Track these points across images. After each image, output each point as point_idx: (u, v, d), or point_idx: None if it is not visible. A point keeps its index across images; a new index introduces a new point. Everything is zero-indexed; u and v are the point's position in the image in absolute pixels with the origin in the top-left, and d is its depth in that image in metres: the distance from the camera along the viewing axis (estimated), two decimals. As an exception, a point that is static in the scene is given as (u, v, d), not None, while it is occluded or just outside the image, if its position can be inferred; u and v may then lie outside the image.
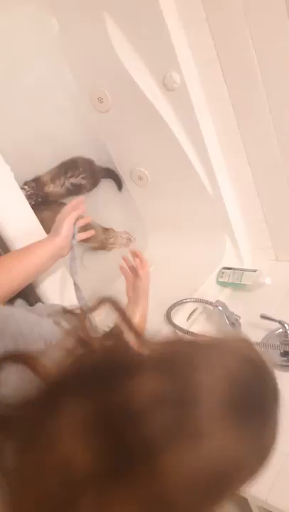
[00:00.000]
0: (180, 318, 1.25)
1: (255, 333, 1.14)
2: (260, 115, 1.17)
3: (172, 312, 1.24)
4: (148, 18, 1.11)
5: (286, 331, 1.04)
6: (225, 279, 1.36)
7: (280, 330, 1.07)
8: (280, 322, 1.05)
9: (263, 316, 1.08)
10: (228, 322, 1.17)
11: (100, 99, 1.31)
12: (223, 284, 1.37)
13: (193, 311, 1.28)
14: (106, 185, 1.48)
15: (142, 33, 1.15)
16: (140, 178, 1.46)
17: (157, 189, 1.47)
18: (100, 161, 1.44)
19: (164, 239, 1.53)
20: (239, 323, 1.18)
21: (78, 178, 1.28)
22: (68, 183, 1.28)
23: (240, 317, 1.20)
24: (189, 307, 1.28)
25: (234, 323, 1.18)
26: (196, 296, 1.30)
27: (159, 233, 1.57)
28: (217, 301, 1.19)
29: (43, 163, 1.33)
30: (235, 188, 1.35)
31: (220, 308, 1.17)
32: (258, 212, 1.37)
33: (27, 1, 1.25)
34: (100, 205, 1.48)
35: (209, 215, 1.41)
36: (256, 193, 1.33)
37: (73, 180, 1.27)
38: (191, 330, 1.23)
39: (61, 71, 1.32)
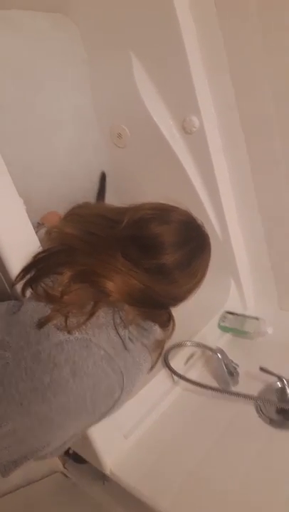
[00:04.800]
0: (178, 362, 1.27)
1: (252, 384, 1.16)
2: (274, 165, 1.22)
3: (170, 354, 1.26)
4: (173, 62, 1.18)
5: (284, 387, 1.06)
6: (227, 324, 1.38)
7: (278, 384, 1.08)
8: (278, 377, 1.07)
9: (262, 369, 1.09)
10: (226, 370, 1.18)
11: (119, 135, 1.37)
12: (225, 329, 1.39)
13: (192, 355, 1.30)
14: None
15: (166, 76, 1.22)
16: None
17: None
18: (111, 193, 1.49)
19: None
20: (237, 373, 1.19)
21: None
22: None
23: (238, 366, 1.21)
24: (188, 351, 1.30)
25: (232, 371, 1.19)
26: (196, 339, 1.32)
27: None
28: (216, 347, 1.21)
29: (54, 194, 1.38)
30: (244, 233, 1.39)
31: (219, 355, 1.18)
32: (265, 259, 1.40)
33: (59, 31, 1.32)
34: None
35: (216, 257, 1.43)
36: (265, 239, 1.37)
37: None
38: (188, 375, 1.24)
39: (84, 102, 1.38)
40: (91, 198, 1.44)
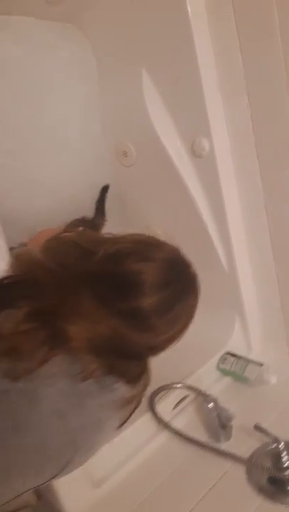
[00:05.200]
0: (166, 405, 1.16)
1: (247, 441, 1.03)
2: (290, 198, 1.11)
3: (158, 396, 1.15)
4: (186, 81, 1.10)
5: (280, 452, 0.93)
6: (226, 367, 1.26)
7: (274, 448, 0.95)
8: (274, 439, 0.94)
9: (257, 427, 0.97)
10: (218, 422, 1.06)
11: (125, 153, 1.29)
12: (224, 372, 1.27)
13: (183, 398, 1.18)
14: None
15: (177, 95, 1.14)
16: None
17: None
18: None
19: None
20: (230, 427, 1.07)
21: None
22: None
23: (234, 417, 1.09)
24: (179, 393, 1.19)
25: (225, 424, 1.07)
26: (191, 380, 1.21)
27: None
28: (209, 395, 1.09)
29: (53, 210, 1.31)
30: (254, 269, 1.28)
31: (211, 405, 1.06)
32: (275, 299, 1.28)
33: (70, 43, 1.26)
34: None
35: (221, 291, 1.33)
36: (276, 278, 1.25)
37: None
38: (175, 421, 1.13)
39: (91, 117, 1.32)
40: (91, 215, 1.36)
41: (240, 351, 1.30)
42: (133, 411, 0.75)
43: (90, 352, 0.62)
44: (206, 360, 1.28)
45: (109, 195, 1.41)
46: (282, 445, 0.93)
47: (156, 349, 0.70)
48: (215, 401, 1.08)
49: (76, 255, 0.66)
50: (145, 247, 0.68)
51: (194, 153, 1.16)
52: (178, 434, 1.03)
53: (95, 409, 0.67)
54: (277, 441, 0.94)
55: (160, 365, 1.23)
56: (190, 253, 1.35)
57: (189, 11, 1.03)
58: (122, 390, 0.70)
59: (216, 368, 1.28)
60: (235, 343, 1.32)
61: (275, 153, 1.09)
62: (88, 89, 1.29)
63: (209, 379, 1.26)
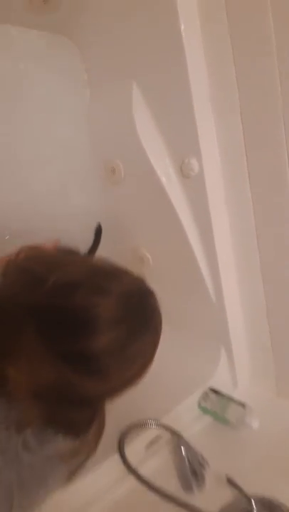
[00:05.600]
0: (137, 445, 1.07)
1: (218, 494, 0.93)
2: (282, 225, 1.03)
3: (130, 435, 1.06)
4: (176, 97, 1.04)
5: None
6: (207, 405, 1.17)
7: (246, 506, 0.86)
8: (247, 497, 0.85)
9: (230, 481, 0.87)
10: (189, 470, 0.97)
11: (113, 170, 1.23)
12: (204, 410, 1.18)
13: (155, 438, 1.09)
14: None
15: (167, 110, 1.08)
16: (141, 260, 1.34)
17: (157, 275, 1.33)
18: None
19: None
20: (202, 476, 0.97)
21: None
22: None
23: (206, 465, 0.99)
24: (153, 431, 1.10)
25: (196, 472, 0.97)
26: (168, 417, 1.12)
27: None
28: (181, 438, 1.00)
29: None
30: (243, 300, 1.20)
31: (182, 450, 0.97)
32: (264, 333, 1.19)
33: (60, 53, 1.22)
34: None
35: (208, 323, 1.25)
36: (266, 313, 1.16)
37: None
38: (146, 464, 1.03)
39: (79, 131, 1.26)
40: (76, 241, 1.29)
41: (224, 388, 1.21)
42: (84, 461, 0.67)
43: (31, 398, 0.54)
44: (187, 396, 1.19)
45: (97, 213, 1.35)
46: (254, 506, 0.83)
47: (109, 395, 0.62)
48: (187, 445, 0.99)
49: (24, 283, 0.59)
50: (101, 277, 0.60)
51: (183, 173, 1.10)
52: (141, 481, 0.94)
53: (35, 463, 0.60)
54: (249, 499, 0.84)
55: (136, 399, 1.15)
56: (176, 280, 1.29)
57: (182, 25, 0.97)
58: (64, 442, 0.62)
59: (197, 405, 1.19)
60: (220, 379, 1.23)
61: (268, 177, 1.01)
62: (78, 101, 1.24)
63: (188, 416, 1.17)
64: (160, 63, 1.04)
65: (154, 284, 1.37)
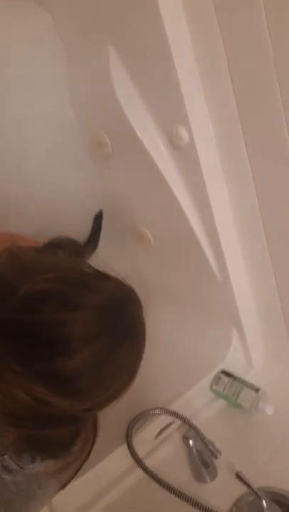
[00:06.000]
0: (148, 433, 1.05)
1: (230, 485, 0.90)
2: (286, 195, 0.93)
3: (138, 423, 1.04)
4: (155, 58, 0.92)
5: (262, 507, 0.80)
6: (219, 389, 1.12)
7: (255, 503, 0.82)
8: (256, 493, 0.81)
9: (239, 477, 0.83)
10: (198, 460, 0.94)
11: (100, 143, 1.14)
12: (217, 394, 1.13)
13: (167, 426, 1.07)
14: (102, 242, 1.29)
15: (148, 74, 0.96)
16: (141, 238, 1.27)
17: (159, 254, 1.27)
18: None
19: (162, 312, 1.32)
20: (214, 466, 0.94)
21: None
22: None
23: (219, 453, 0.95)
24: (164, 419, 1.07)
25: (207, 462, 0.94)
26: (179, 402, 1.09)
27: (161, 302, 1.35)
28: (188, 431, 0.96)
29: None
30: (250, 276, 1.11)
31: (190, 442, 0.94)
32: (276, 310, 1.11)
33: (30, 19, 1.10)
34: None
35: (216, 302, 1.18)
36: (277, 289, 1.08)
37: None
38: (156, 453, 1.02)
39: (61, 104, 1.16)
40: (70, 225, 1.22)
41: (238, 369, 1.16)
42: (75, 473, 0.64)
43: (6, 421, 0.51)
44: (199, 379, 1.15)
45: (90, 190, 1.27)
46: (265, 503, 0.79)
47: (91, 411, 0.58)
48: (196, 435, 0.95)
49: None
50: (75, 287, 0.54)
51: (173, 144, 0.99)
52: (151, 474, 0.92)
53: (19, 481, 0.58)
54: (259, 496, 0.80)
55: (145, 385, 1.13)
56: (178, 259, 1.22)
57: None
58: (47, 463, 0.59)
59: (209, 389, 1.15)
60: (234, 360, 1.18)
61: (266, 144, 0.90)
62: (56, 72, 1.13)
63: (201, 401, 1.14)
64: (135, 22, 0.91)
65: (156, 263, 1.31)
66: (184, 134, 0.95)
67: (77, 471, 0.64)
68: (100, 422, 0.63)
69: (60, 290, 0.52)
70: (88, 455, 0.63)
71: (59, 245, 1.13)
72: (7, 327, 0.49)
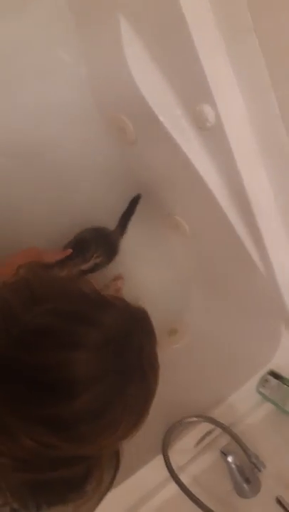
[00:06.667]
0: (188, 441, 0.99)
1: (271, 505, 0.83)
2: None
3: (176, 432, 0.98)
4: (169, 26, 0.80)
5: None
6: (266, 392, 1.03)
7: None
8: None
9: (280, 502, 0.76)
10: (238, 476, 0.87)
11: (122, 129, 1.05)
12: (264, 397, 1.05)
13: (208, 433, 1.01)
14: (137, 233, 1.22)
15: (164, 48, 0.84)
16: (177, 227, 1.18)
17: (197, 245, 1.17)
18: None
19: (200, 307, 1.24)
20: (257, 482, 0.87)
21: (91, 262, 1.05)
22: (78, 270, 1.06)
23: (263, 466, 0.88)
24: (205, 426, 1.01)
25: (248, 478, 0.87)
26: (220, 409, 1.02)
27: (201, 296, 1.27)
28: (227, 444, 0.89)
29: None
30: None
31: (229, 458, 0.87)
32: None
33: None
34: (129, 256, 1.22)
35: (260, 295, 1.07)
36: None
37: (85, 266, 1.05)
38: (195, 463, 0.97)
39: (79, 88, 1.08)
40: (100, 214, 1.16)
41: (287, 370, 1.06)
42: (97, 504, 0.61)
43: (9, 465, 0.48)
44: (244, 382, 1.07)
45: (121, 181, 1.20)
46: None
47: (101, 451, 0.54)
48: (234, 452, 0.88)
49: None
50: (74, 322, 0.49)
51: (198, 124, 0.88)
52: (183, 489, 0.87)
53: None
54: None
55: (185, 390, 1.07)
56: (217, 251, 1.12)
57: None
58: (56, 509, 0.56)
59: (256, 390, 1.06)
60: (282, 360, 1.07)
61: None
62: (70, 53, 1.05)
63: (246, 405, 1.06)
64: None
65: (192, 253, 1.22)
66: (209, 112, 0.83)
67: (94, 508, 0.60)
68: (123, 448, 0.59)
69: (59, 326, 0.48)
70: (108, 488, 0.60)
71: (84, 241, 1.09)
72: (5, 364, 0.45)
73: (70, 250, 1.00)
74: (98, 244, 1.09)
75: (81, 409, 0.46)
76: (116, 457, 0.60)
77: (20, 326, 0.46)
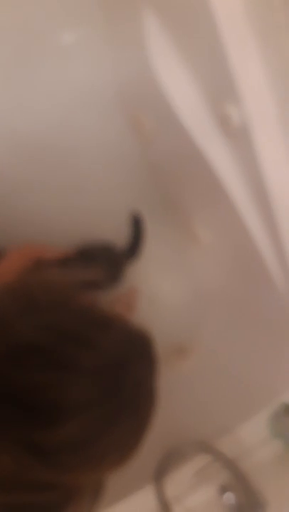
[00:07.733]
0: (183, 473, 0.93)
1: None
2: None
3: (172, 460, 0.93)
4: (195, 21, 0.75)
5: None
6: (278, 427, 0.96)
7: None
8: None
9: None
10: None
11: (142, 126, 1.01)
12: (274, 434, 0.97)
13: (208, 463, 0.94)
14: (153, 241, 1.17)
15: (187, 41, 0.80)
16: (196, 236, 1.12)
17: (215, 256, 1.12)
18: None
19: (219, 325, 1.17)
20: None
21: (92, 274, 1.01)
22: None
23: (264, 510, 0.81)
24: (201, 460, 0.94)
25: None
26: (225, 439, 0.95)
27: (216, 314, 1.21)
28: (227, 480, 0.83)
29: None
30: None
31: (228, 495, 0.80)
32: None
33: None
34: (144, 265, 1.18)
35: (279, 316, 1.01)
36: None
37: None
38: (194, 496, 0.90)
39: (100, 79, 1.05)
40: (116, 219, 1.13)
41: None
42: None
43: None
44: (254, 413, 1.00)
45: (140, 180, 1.16)
46: None
47: (82, 482, 0.50)
48: (234, 490, 0.81)
49: None
50: (68, 341, 0.45)
51: (223, 125, 0.83)
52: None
53: None
54: None
55: (186, 415, 1.02)
56: (235, 265, 1.06)
57: None
58: None
59: (266, 424, 0.99)
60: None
61: None
62: (92, 41, 1.02)
63: (254, 439, 0.99)
64: None
65: (212, 270, 1.16)
66: (233, 113, 0.78)
67: None
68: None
69: (51, 344, 0.44)
70: None
71: (91, 255, 1.04)
72: None
73: (73, 251, 0.97)
74: (102, 262, 1.04)
75: (65, 437, 0.42)
76: (98, 489, 0.56)
77: (12, 338, 0.43)
